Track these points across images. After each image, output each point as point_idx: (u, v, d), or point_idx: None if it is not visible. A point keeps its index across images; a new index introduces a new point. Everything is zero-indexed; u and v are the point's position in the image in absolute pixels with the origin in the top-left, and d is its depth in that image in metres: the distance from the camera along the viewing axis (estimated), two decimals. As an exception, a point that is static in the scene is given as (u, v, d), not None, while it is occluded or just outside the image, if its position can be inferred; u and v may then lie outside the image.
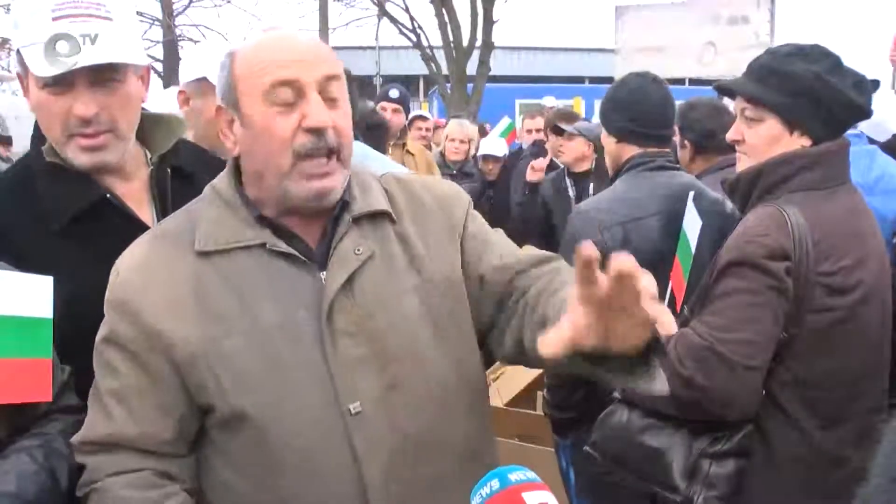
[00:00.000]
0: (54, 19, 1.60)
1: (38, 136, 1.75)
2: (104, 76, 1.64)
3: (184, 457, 1.46)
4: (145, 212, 1.76)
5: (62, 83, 1.62)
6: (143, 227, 1.69)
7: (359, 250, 1.45)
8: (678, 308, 2.14)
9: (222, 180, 1.51)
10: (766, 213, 1.91)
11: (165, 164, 1.80)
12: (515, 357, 1.51)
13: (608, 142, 2.75)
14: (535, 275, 1.49)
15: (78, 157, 1.67)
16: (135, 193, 1.76)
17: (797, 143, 1.96)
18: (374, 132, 3.78)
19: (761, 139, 1.99)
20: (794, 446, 1.89)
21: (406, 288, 1.47)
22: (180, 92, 2.46)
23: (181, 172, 1.82)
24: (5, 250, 1.62)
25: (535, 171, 5.39)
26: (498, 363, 4.46)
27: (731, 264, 1.88)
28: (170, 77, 14.91)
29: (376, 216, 1.49)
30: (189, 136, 2.22)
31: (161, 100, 3.88)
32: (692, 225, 2.26)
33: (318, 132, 1.38)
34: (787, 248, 1.85)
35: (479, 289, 1.52)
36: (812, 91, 1.91)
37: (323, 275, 1.44)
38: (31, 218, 1.67)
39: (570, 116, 5.43)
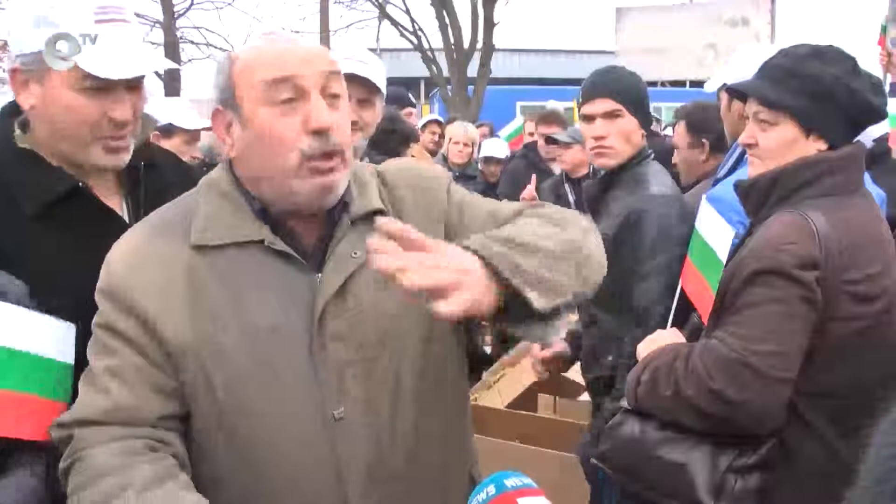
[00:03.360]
0: (97, 22, 1.60)
1: (2, 126, 1.74)
2: (136, 80, 1.67)
3: (176, 430, 1.42)
4: (115, 203, 1.77)
5: (104, 87, 1.62)
6: (114, 217, 1.72)
7: (356, 253, 1.42)
8: (705, 321, 2.05)
9: (219, 174, 1.48)
10: (790, 220, 1.85)
11: (139, 158, 1.80)
12: None
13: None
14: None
15: (102, 158, 1.68)
16: (105, 185, 1.77)
17: (813, 147, 1.91)
18: (389, 137, 3.61)
19: (776, 143, 1.93)
20: (816, 457, 1.85)
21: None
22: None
23: (153, 167, 1.84)
24: None
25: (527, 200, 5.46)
26: (498, 364, 4.46)
27: (759, 273, 1.81)
28: (171, 79, 14.88)
29: (372, 215, 1.45)
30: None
31: (164, 107, 3.88)
32: (718, 233, 2.07)
33: (322, 133, 1.35)
34: (817, 257, 1.79)
35: None
36: (832, 94, 1.86)
37: (318, 276, 1.41)
38: (1, 202, 1.66)
39: (551, 119, 5.56)
